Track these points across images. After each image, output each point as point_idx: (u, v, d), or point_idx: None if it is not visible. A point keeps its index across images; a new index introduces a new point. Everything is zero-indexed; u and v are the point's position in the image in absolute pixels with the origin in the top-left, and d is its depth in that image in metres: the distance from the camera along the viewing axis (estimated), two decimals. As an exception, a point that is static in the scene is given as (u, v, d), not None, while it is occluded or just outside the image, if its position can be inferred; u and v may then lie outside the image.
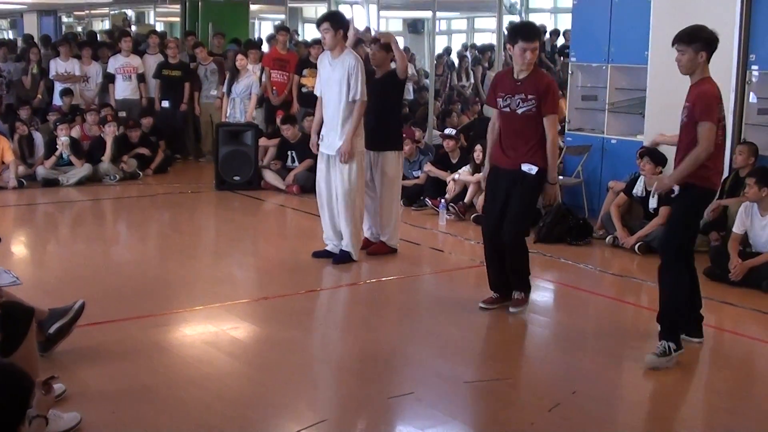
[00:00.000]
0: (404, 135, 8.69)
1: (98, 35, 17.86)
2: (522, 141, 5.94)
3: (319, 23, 7.34)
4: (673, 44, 5.26)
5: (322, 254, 7.63)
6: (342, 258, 7.51)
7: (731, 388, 5.13)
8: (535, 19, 18.12)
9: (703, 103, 5.14)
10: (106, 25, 22.47)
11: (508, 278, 6.26)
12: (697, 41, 5.19)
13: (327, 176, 7.47)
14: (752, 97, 8.25)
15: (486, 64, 15.52)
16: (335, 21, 7.30)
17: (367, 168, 7.66)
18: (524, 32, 5.91)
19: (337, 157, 7.28)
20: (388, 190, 7.71)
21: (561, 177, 9.92)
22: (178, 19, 18.46)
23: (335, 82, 7.23)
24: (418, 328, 5.76)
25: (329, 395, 4.90)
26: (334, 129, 7.31)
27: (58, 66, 13.27)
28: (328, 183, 7.47)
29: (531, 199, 6.11)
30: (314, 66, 12.46)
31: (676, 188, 5.30)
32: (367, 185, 7.71)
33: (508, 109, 5.94)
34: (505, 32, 15.10)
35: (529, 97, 5.84)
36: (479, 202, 9.41)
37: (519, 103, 5.88)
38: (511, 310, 6.16)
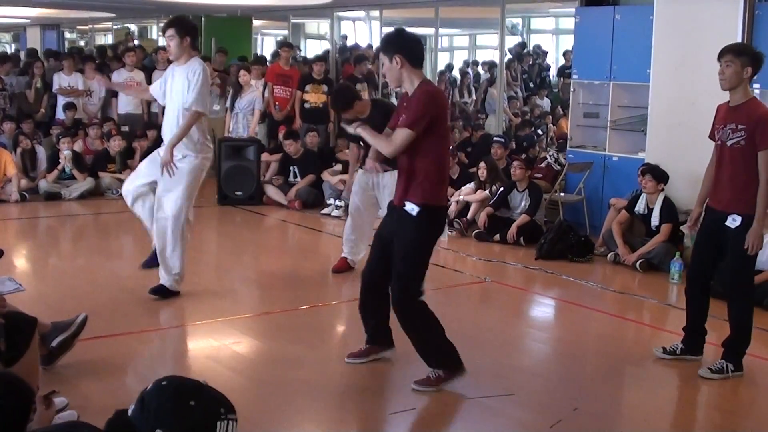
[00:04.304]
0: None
1: (107, 51, 17.91)
2: (403, 171, 4.92)
3: (163, 30, 6.68)
4: (719, 57, 5.21)
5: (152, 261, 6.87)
6: (160, 291, 6.70)
7: (733, 406, 5.13)
8: (537, 40, 18.19)
9: (765, 127, 5.10)
10: (109, 39, 22.53)
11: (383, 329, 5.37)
12: (746, 55, 5.18)
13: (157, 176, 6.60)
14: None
15: (488, 81, 15.56)
16: (181, 27, 6.54)
17: (365, 189, 7.50)
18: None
19: (168, 172, 6.44)
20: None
21: (563, 194, 9.98)
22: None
23: (177, 92, 6.52)
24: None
25: (331, 410, 4.90)
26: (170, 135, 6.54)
27: (61, 80, 13.32)
28: (150, 175, 6.63)
29: (415, 247, 4.91)
30: (317, 82, 12.65)
31: (738, 220, 5.20)
32: (360, 207, 7.55)
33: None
34: (509, 53, 15.21)
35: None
36: (481, 218, 9.44)
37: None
38: (413, 386, 5.00)
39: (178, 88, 6.50)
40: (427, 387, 4.98)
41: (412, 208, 4.83)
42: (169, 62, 6.84)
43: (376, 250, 5.21)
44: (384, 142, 4.89)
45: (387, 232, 5.08)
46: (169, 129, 6.55)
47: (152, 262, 6.81)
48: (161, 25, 20.40)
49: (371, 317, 5.37)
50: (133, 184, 6.71)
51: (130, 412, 2.59)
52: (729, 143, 5.22)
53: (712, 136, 5.48)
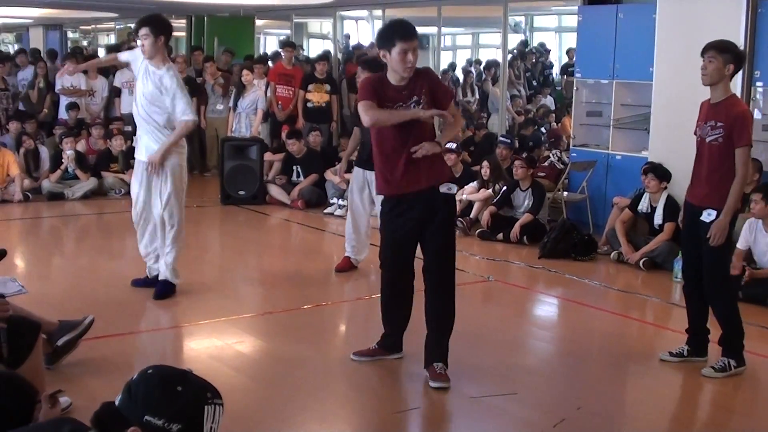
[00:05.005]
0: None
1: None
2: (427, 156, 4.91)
3: (137, 29, 6.62)
4: (702, 53, 5.24)
5: (143, 283, 6.95)
6: (164, 292, 6.72)
7: (736, 404, 5.13)
8: (540, 38, 18.19)
9: (742, 125, 5.15)
10: (112, 39, 22.53)
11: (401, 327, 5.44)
12: (729, 53, 5.20)
13: (147, 187, 6.64)
14: (757, 114, 8.27)
15: (490, 80, 15.55)
16: (155, 26, 6.45)
17: (363, 188, 7.46)
18: (401, 31, 4.88)
19: (152, 171, 6.54)
20: None
21: (566, 193, 9.98)
22: (183, 34, 18.52)
23: (147, 92, 6.47)
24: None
25: (335, 410, 4.90)
26: (149, 133, 6.54)
27: (64, 80, 13.32)
28: (148, 194, 6.64)
29: (452, 227, 5.24)
30: (320, 81, 12.66)
31: (713, 214, 5.22)
32: (359, 206, 7.52)
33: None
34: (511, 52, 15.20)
35: (423, 100, 4.91)
36: (484, 217, 9.44)
37: (414, 107, 4.91)
38: (434, 384, 4.99)
39: (149, 89, 6.49)
40: (446, 382, 4.98)
41: (449, 187, 5.02)
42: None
43: (404, 250, 5.19)
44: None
45: (411, 220, 5.06)
46: (142, 118, 6.56)
47: (142, 283, 6.95)
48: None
49: (391, 317, 5.43)
50: (137, 212, 6.77)
51: (117, 402, 2.59)
52: (708, 140, 5.27)
53: (696, 133, 5.53)
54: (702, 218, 5.30)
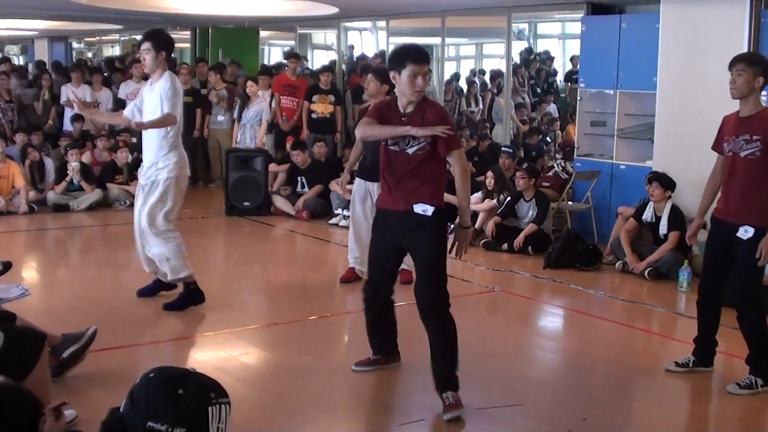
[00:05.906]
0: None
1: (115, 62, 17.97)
2: (411, 180, 4.95)
3: (139, 43, 6.66)
4: (730, 66, 5.13)
5: (149, 292, 7.03)
6: (175, 305, 6.74)
7: (741, 414, 5.11)
8: (544, 45, 18.18)
9: None
10: (117, 51, 22.59)
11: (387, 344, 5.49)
12: (758, 65, 5.10)
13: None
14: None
15: (495, 90, 15.55)
16: (157, 41, 6.51)
17: (365, 198, 7.46)
18: (413, 54, 4.85)
19: (145, 187, 6.59)
20: None
21: (570, 203, 9.97)
22: (188, 45, 18.57)
23: (151, 109, 6.54)
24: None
25: (340, 421, 4.89)
26: (150, 158, 6.61)
27: (69, 92, 13.36)
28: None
29: (438, 247, 5.04)
30: (324, 92, 12.68)
31: (751, 231, 5.09)
32: (361, 216, 7.49)
33: (396, 148, 4.94)
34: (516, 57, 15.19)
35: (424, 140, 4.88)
36: (489, 227, 9.43)
37: (409, 142, 4.88)
38: (447, 416, 4.75)
39: (151, 106, 6.54)
40: (459, 410, 4.76)
41: (424, 209, 4.93)
42: (145, 78, 6.85)
43: (383, 260, 5.22)
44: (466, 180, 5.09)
45: (389, 239, 5.10)
46: (146, 148, 6.63)
47: (148, 291, 6.99)
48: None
49: (378, 335, 5.45)
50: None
51: (121, 409, 2.58)
52: (742, 154, 5.13)
53: (717, 148, 5.40)
54: (738, 235, 5.15)
